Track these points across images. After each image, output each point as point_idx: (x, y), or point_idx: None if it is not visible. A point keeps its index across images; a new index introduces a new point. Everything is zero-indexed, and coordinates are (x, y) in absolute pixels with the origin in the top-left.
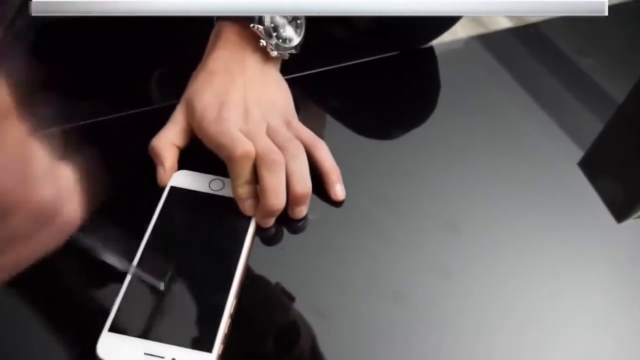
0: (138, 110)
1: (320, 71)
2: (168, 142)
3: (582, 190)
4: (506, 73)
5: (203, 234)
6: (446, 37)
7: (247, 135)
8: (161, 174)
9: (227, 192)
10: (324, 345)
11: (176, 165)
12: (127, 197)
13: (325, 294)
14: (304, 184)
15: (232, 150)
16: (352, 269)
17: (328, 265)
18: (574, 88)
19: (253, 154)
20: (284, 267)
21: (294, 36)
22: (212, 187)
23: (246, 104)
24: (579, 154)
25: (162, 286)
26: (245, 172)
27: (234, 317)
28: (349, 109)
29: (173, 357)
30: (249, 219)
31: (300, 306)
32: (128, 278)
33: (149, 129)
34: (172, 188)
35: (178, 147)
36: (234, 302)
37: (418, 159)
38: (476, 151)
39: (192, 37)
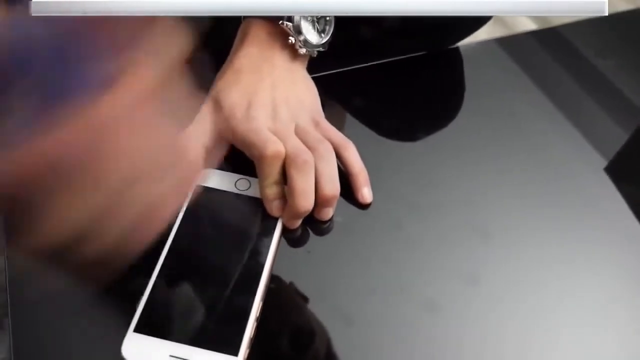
0: None
1: (345, 71)
2: (194, 142)
3: (609, 196)
4: (529, 76)
5: (229, 234)
6: (468, 38)
7: (276, 135)
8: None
9: (253, 192)
10: (348, 351)
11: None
12: None
13: (350, 299)
14: (333, 185)
15: (263, 150)
16: (378, 273)
17: (354, 269)
18: (597, 92)
19: (283, 154)
20: (310, 269)
21: (322, 34)
22: (238, 186)
23: (274, 103)
24: (605, 160)
25: (187, 287)
26: (274, 172)
27: (260, 320)
28: (373, 110)
29: (199, 359)
30: (275, 219)
31: (325, 310)
32: (153, 278)
33: None
34: (198, 187)
35: (205, 147)
36: (260, 304)
37: (443, 162)
38: (501, 155)
39: (215, 33)
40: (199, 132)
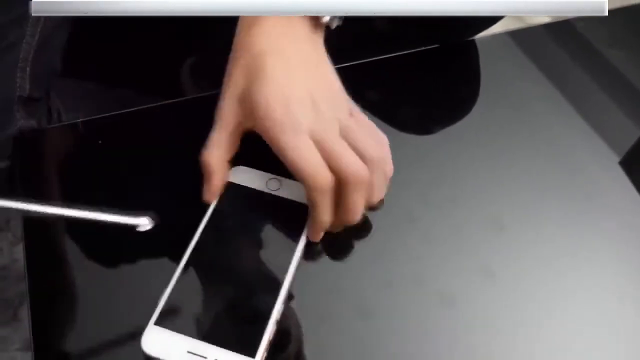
0: (176, 100)
1: (359, 63)
2: (218, 157)
3: (624, 190)
4: (544, 68)
5: (256, 234)
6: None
7: (324, 144)
8: (206, 193)
9: (283, 193)
10: (365, 343)
11: (223, 183)
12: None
13: (367, 292)
14: (380, 195)
15: (313, 181)
16: (396, 267)
17: (370, 262)
18: (612, 86)
19: (333, 182)
20: (326, 263)
21: None
22: (269, 186)
23: (312, 96)
24: (619, 154)
25: (210, 284)
26: (326, 201)
27: (280, 324)
28: (387, 102)
29: (216, 357)
30: (303, 223)
31: (342, 303)
32: (178, 272)
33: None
34: (229, 184)
35: (229, 162)
36: (282, 307)
37: (458, 155)
38: (516, 148)
39: (223, 24)
40: (222, 144)
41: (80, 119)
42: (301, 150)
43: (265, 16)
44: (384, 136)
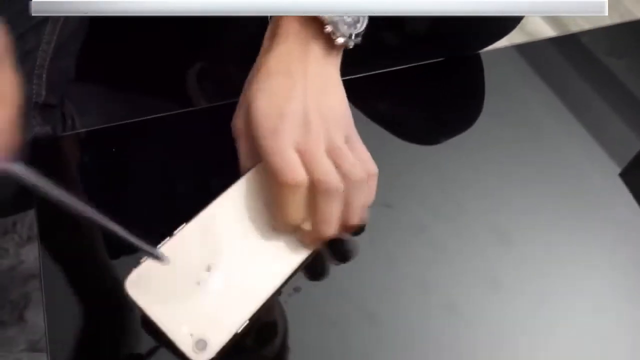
0: (188, 109)
1: (367, 75)
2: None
3: (626, 201)
4: (549, 82)
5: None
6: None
7: (305, 154)
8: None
9: None
10: (372, 349)
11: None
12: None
13: (374, 300)
14: (359, 217)
15: (281, 176)
16: (402, 275)
17: (378, 271)
18: (618, 101)
19: (304, 183)
20: (335, 270)
21: (357, 24)
22: None
23: (306, 113)
24: (621, 166)
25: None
26: (292, 199)
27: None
28: (395, 114)
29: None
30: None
31: (350, 309)
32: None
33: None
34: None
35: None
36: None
37: (464, 167)
38: (522, 161)
39: (230, 32)
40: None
41: (95, 127)
42: (281, 152)
43: (283, 40)
44: (374, 167)
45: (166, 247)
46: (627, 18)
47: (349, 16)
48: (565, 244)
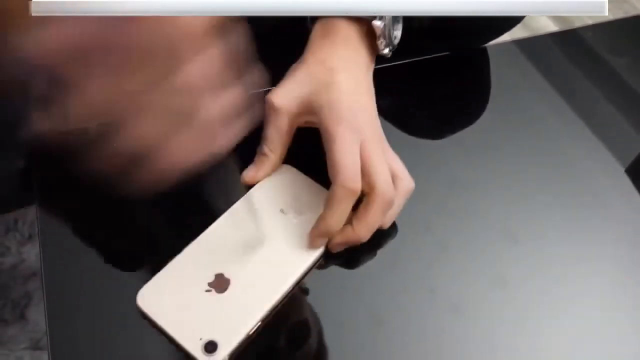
0: None
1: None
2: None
3: (632, 200)
4: (551, 77)
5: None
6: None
7: (369, 160)
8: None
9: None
10: (378, 350)
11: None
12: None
13: (382, 300)
14: (392, 219)
15: (345, 182)
16: (410, 275)
17: (385, 271)
18: (620, 97)
19: (358, 193)
20: (340, 270)
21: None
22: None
23: (371, 113)
24: (626, 163)
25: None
26: (342, 207)
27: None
28: (399, 108)
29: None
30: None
31: (356, 309)
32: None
33: None
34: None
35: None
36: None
37: (470, 164)
38: (526, 159)
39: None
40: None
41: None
42: (347, 145)
43: (342, 41)
44: (412, 182)
45: (176, 259)
46: (632, 14)
47: (395, 29)
48: (573, 243)
